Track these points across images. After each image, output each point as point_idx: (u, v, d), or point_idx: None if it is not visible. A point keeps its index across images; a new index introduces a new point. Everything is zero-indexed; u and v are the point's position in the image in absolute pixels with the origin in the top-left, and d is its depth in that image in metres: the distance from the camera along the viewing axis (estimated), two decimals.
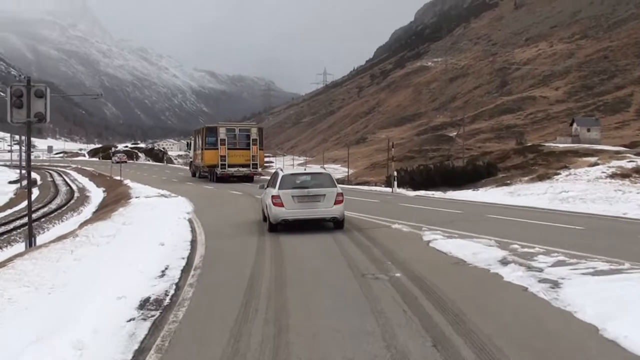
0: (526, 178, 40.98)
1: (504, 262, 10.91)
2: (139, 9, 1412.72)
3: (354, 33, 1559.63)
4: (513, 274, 9.78)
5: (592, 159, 45.78)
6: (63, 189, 56.42)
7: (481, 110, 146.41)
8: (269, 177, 22.94)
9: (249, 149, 46.35)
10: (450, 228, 16.49)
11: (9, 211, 40.57)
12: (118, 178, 50.01)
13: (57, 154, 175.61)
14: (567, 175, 39.00)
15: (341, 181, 63.41)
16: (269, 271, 10.97)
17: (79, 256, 12.06)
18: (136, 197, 30.23)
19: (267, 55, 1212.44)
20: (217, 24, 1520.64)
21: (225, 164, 45.57)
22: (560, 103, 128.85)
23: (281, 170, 18.46)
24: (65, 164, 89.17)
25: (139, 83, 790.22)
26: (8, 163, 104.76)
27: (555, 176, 39.68)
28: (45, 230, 30.22)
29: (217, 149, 45.64)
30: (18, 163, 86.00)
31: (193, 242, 14.99)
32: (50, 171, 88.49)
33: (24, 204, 46.05)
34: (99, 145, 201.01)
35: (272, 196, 16.60)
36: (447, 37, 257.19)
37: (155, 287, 9.74)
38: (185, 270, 11.20)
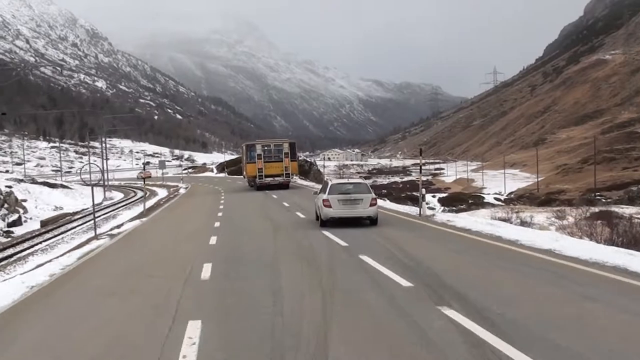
0: None
1: None
2: (303, 23, 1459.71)
3: (520, 33, 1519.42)
4: None
5: None
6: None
7: None
8: (320, 185, 29.51)
9: (282, 161, 52.67)
10: None
11: None
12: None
13: (185, 169, 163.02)
14: None
15: (529, 192, 57.14)
16: None
17: None
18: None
19: (432, 61, 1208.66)
20: (381, 34, 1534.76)
21: (262, 175, 52.01)
22: None
23: (330, 180, 25.19)
24: (174, 183, 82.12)
25: (306, 95, 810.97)
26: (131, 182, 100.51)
27: None
28: None
29: (256, 162, 52.53)
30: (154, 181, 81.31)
31: None
32: (146, 190, 78.38)
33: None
34: (230, 157, 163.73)
35: (323, 200, 21.06)
36: (623, 28, 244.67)
37: None
38: None
